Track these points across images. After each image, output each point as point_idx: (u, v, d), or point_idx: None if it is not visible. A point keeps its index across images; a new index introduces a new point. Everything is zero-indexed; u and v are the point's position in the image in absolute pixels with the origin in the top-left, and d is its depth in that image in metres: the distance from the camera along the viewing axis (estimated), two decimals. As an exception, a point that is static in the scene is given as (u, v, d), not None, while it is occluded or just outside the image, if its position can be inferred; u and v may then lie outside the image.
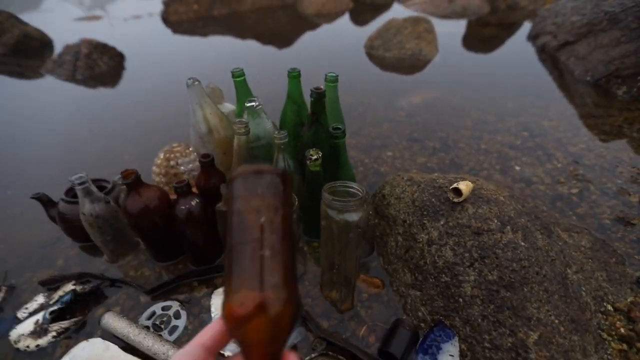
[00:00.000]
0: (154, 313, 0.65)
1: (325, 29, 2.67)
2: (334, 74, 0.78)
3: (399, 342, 0.56)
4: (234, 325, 0.21)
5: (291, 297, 0.22)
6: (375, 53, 1.86)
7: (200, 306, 0.66)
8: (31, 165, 1.18)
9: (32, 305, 0.69)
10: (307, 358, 0.56)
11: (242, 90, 0.83)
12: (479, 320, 0.54)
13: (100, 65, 1.86)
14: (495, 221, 0.60)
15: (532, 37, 1.97)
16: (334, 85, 0.79)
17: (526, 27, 2.24)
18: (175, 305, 0.66)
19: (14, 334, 0.63)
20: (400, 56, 1.77)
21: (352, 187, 0.56)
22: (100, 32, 2.99)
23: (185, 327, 0.63)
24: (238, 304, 0.21)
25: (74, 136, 1.33)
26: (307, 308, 0.64)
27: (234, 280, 0.21)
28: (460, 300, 0.56)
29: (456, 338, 0.55)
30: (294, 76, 0.79)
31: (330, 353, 0.57)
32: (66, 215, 0.78)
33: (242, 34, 2.70)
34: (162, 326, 0.63)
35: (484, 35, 2.23)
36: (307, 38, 2.47)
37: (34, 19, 2.79)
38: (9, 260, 0.80)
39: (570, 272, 0.61)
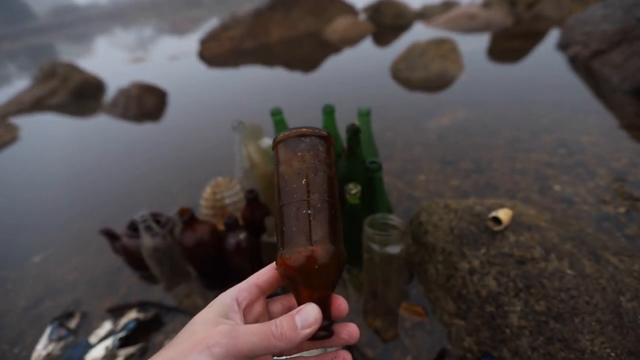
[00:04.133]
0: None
1: (349, 53, 2.76)
2: (366, 108, 0.83)
3: (446, 373, 0.56)
4: (285, 274, 0.25)
5: (336, 250, 0.25)
6: (401, 75, 1.91)
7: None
8: (91, 197, 1.32)
9: (101, 332, 0.77)
10: (355, 387, 0.58)
11: (280, 127, 0.90)
12: (529, 352, 0.53)
13: (147, 103, 2.06)
14: (539, 249, 0.60)
15: (562, 47, 1.93)
16: (367, 118, 0.83)
17: (553, 36, 2.20)
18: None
19: (88, 358, 0.71)
20: (426, 77, 1.80)
21: (391, 220, 0.59)
22: (144, 71, 3.31)
23: None
24: (288, 257, 0.24)
25: (129, 169, 1.47)
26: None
27: (285, 236, 0.25)
28: (507, 330, 0.56)
29: (506, 370, 0.55)
30: (329, 112, 0.84)
31: (377, 383, 0.58)
32: (128, 247, 0.86)
33: (270, 62, 2.87)
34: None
35: (509, 48, 2.21)
36: (332, 63, 2.57)
37: (87, 62, 3.13)
38: (80, 288, 0.90)
39: (624, 300, 0.58)
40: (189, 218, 0.71)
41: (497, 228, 0.63)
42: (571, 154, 1.07)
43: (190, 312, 0.76)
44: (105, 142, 1.81)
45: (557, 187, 0.94)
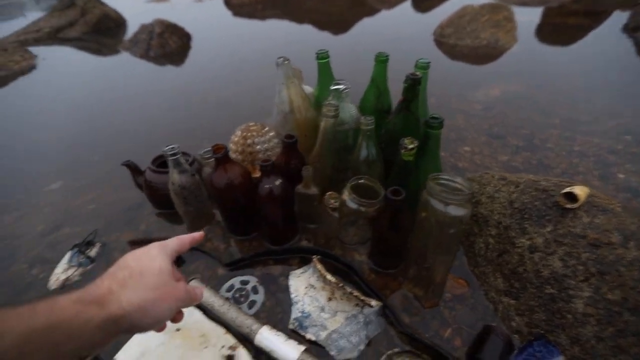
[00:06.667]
0: (233, 286, 0.67)
1: (385, 15, 2.56)
2: (425, 60, 0.73)
3: (492, 350, 0.52)
4: None
5: None
6: (446, 41, 1.75)
7: (277, 285, 0.66)
8: (112, 134, 1.26)
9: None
10: (390, 352, 0.54)
11: (325, 72, 0.81)
12: (593, 341, 0.48)
13: (170, 44, 1.95)
14: (616, 234, 0.53)
15: (630, 29, 1.73)
16: (426, 72, 0.74)
17: (619, 17, 1.98)
18: (253, 281, 0.67)
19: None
20: (474, 45, 1.65)
21: (456, 182, 0.52)
22: (166, 12, 3.13)
23: (263, 303, 0.63)
24: None
25: (150, 109, 1.40)
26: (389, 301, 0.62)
27: None
28: (569, 316, 0.51)
29: (562, 357, 0.50)
30: (382, 60, 0.75)
31: (414, 351, 0.54)
32: (152, 183, 0.82)
33: (299, 18, 2.69)
34: (242, 299, 0.64)
35: (568, 24, 2.00)
36: (366, 25, 2.39)
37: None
38: (99, 220, 0.86)
39: None
40: (223, 156, 0.65)
41: (570, 205, 0.55)
42: (638, 144, 0.96)
43: (213, 255, 0.72)
44: (125, 80, 1.73)
45: (621, 175, 0.85)
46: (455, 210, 0.49)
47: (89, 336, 0.27)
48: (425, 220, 0.53)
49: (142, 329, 0.31)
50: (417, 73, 0.65)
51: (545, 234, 0.56)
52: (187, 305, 0.36)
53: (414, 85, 0.65)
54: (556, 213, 0.57)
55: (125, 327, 0.29)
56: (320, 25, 2.49)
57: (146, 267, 0.32)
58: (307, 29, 2.45)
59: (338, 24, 2.47)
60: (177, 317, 0.38)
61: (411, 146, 0.59)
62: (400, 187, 0.61)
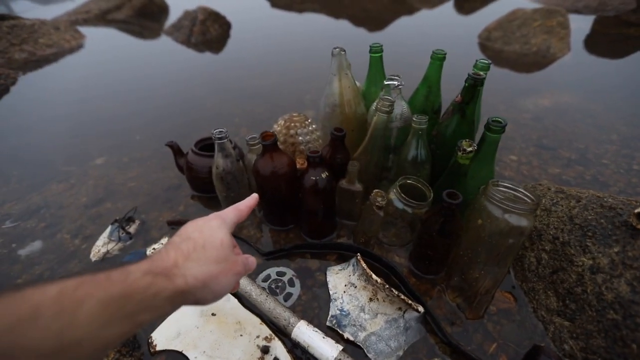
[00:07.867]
0: (269, 276, 0.66)
1: (426, 15, 2.50)
2: (486, 61, 0.70)
3: (542, 373, 0.49)
4: None
5: None
6: (492, 45, 1.68)
7: (314, 279, 0.65)
8: (151, 116, 1.29)
9: (158, 247, 0.75)
10: (430, 362, 0.52)
11: (377, 67, 0.78)
12: (662, 376, 0.44)
13: (211, 31, 1.97)
14: (695, 262, 0.48)
15: (698, 45, 1.60)
16: (486, 73, 0.70)
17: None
18: (289, 273, 0.67)
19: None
20: (522, 52, 1.57)
21: (519, 190, 0.49)
22: (208, 1, 3.18)
23: (299, 297, 0.63)
24: None
25: (189, 95, 1.43)
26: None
27: None
28: (634, 346, 0.47)
29: (623, 389, 0.46)
30: (439, 58, 0.72)
31: (456, 363, 0.52)
32: (193, 165, 0.83)
33: (337, 13, 2.66)
34: (277, 291, 0.64)
35: (625, 36, 1.88)
36: (404, 23, 2.34)
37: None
38: (139, 197, 0.88)
39: None
40: (271, 143, 0.64)
41: (642, 227, 0.51)
42: None
43: (254, 245, 0.72)
44: (166, 64, 1.76)
45: (688, 200, 0.78)
46: (516, 220, 0.46)
47: (159, 307, 0.27)
48: (480, 229, 0.50)
49: (205, 302, 0.31)
50: (480, 73, 0.61)
51: (611, 255, 0.52)
52: (243, 275, 0.36)
53: (475, 86, 0.62)
54: (625, 234, 0.52)
55: (190, 300, 0.29)
56: (357, 21, 2.46)
57: (209, 239, 0.32)
58: (344, 25, 2.42)
59: (376, 21, 2.43)
60: (234, 287, 0.38)
61: (469, 149, 0.56)
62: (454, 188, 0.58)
